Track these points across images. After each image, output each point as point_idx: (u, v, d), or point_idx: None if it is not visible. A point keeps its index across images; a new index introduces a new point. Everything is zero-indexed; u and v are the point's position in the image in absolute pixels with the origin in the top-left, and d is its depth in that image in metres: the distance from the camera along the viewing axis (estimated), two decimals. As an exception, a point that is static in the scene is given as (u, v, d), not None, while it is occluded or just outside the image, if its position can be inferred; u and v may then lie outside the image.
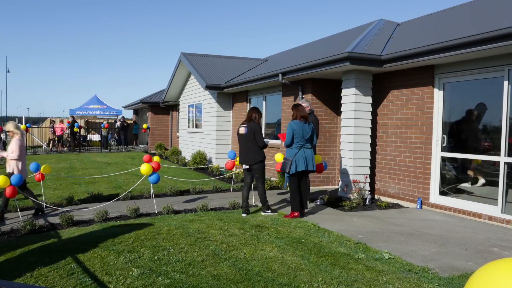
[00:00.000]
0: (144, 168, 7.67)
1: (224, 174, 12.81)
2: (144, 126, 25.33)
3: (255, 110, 7.59)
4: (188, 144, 18.37)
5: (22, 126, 23.80)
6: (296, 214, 7.19)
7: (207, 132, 16.00)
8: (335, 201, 8.60)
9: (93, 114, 33.05)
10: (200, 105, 16.77)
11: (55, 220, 6.95)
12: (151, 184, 8.06)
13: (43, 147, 25.51)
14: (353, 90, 8.72)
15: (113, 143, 26.81)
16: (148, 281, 4.28)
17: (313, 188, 9.85)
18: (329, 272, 4.56)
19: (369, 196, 8.48)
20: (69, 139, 24.59)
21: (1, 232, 6.16)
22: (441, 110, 7.94)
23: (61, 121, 25.19)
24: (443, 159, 7.98)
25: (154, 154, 19.53)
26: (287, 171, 7.12)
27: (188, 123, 18.57)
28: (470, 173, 7.67)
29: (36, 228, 6.31)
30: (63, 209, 7.73)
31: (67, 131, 24.49)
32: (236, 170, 10.84)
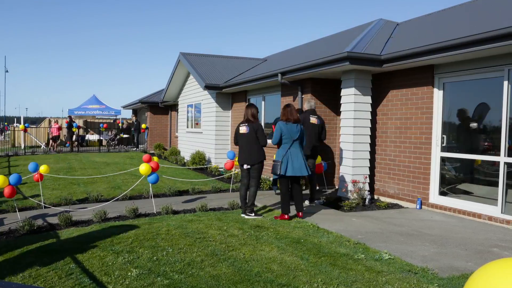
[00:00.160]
0: (143, 168, 7.65)
1: (223, 174, 12.80)
2: (143, 126, 25.29)
3: (252, 107, 7.46)
4: (187, 144, 18.35)
5: (21, 126, 23.80)
6: (286, 216, 7.09)
7: (206, 132, 15.98)
8: (335, 201, 8.59)
9: (91, 114, 33.03)
10: (199, 105, 16.76)
11: (53, 220, 6.93)
12: (150, 184, 8.04)
13: (42, 147, 25.48)
14: (352, 90, 8.71)
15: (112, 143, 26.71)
16: (147, 281, 4.26)
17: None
18: (329, 273, 4.55)
19: (369, 196, 8.47)
20: (64, 139, 24.58)
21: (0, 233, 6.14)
22: (440, 110, 7.93)
23: (56, 121, 25.13)
24: (443, 159, 7.97)
25: (153, 154, 19.52)
26: (278, 173, 7.03)
27: (187, 123, 18.55)
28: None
29: (35, 228, 6.29)
30: (62, 209, 7.71)
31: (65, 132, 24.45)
32: (235, 170, 10.82)
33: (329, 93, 10.50)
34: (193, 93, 17.33)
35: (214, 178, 11.60)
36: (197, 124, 17.30)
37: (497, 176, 6.95)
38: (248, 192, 7.37)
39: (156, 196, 9.05)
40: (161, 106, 23.50)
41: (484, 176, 7.37)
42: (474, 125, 7.55)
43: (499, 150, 6.92)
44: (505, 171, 6.83)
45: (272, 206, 8.21)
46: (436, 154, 7.99)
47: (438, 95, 7.95)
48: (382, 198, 9.02)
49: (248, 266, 4.72)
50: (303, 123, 8.19)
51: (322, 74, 9.64)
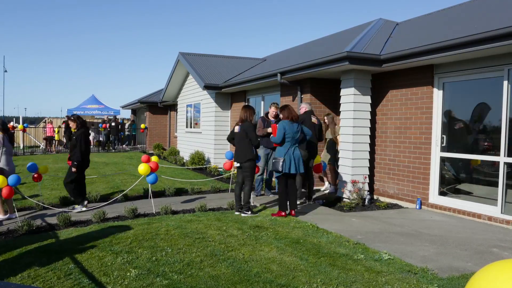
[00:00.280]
0: (142, 168, 7.64)
1: (222, 175, 12.78)
2: (142, 126, 25.26)
3: (246, 109, 7.65)
4: (186, 144, 18.33)
5: (20, 126, 23.77)
6: (283, 214, 7.26)
7: (205, 132, 15.96)
8: (334, 201, 8.59)
9: (90, 114, 32.97)
10: (198, 105, 16.74)
11: (52, 220, 6.91)
12: (149, 185, 8.02)
13: (41, 147, 25.45)
14: (352, 90, 8.69)
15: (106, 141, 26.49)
16: (146, 282, 4.24)
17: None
18: (328, 273, 4.54)
19: (368, 197, 8.46)
20: (63, 139, 24.49)
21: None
22: (440, 110, 7.92)
23: (50, 122, 25.05)
24: (443, 159, 7.96)
25: (152, 154, 19.50)
26: (280, 170, 7.16)
27: (186, 123, 18.53)
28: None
29: (34, 228, 6.28)
30: (60, 210, 7.69)
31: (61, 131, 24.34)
32: (234, 171, 10.81)
33: (328, 93, 10.48)
34: (192, 93, 17.31)
35: (213, 178, 11.58)
36: (196, 124, 17.28)
37: (497, 176, 6.94)
38: (242, 191, 7.57)
39: (155, 196, 9.03)
40: (160, 106, 23.47)
41: (483, 176, 7.37)
42: (474, 125, 7.54)
43: (498, 150, 6.91)
44: (505, 171, 6.82)
45: (270, 205, 8.19)
46: (436, 154, 7.98)
47: (437, 95, 7.94)
48: (382, 198, 9.01)
49: (247, 267, 4.71)
50: (302, 122, 8.22)
51: (322, 74, 9.63)
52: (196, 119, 17.21)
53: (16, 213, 7.22)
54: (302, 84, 10.62)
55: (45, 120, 27.17)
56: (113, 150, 24.02)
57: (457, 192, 7.83)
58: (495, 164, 7.02)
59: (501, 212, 6.86)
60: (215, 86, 14.31)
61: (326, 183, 10.55)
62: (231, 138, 7.85)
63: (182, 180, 11.41)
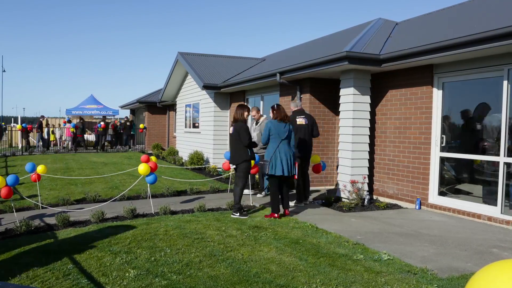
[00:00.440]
0: (142, 168, 7.61)
1: (221, 175, 12.76)
2: (141, 126, 25.23)
3: (239, 108, 7.56)
4: (185, 144, 18.31)
5: (18, 126, 23.72)
6: (276, 215, 7.17)
7: (204, 132, 15.95)
8: (333, 201, 8.57)
9: (89, 114, 32.93)
10: (197, 105, 16.72)
11: (51, 220, 6.89)
12: (148, 185, 8.00)
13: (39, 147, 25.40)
14: (351, 90, 8.68)
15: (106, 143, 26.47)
16: (145, 282, 4.23)
17: (312, 188, 9.80)
18: (327, 273, 4.52)
19: (368, 197, 8.45)
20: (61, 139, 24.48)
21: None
22: (440, 110, 7.91)
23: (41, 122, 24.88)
24: (442, 159, 7.96)
25: (151, 154, 19.47)
26: (266, 172, 7.15)
27: (185, 123, 18.51)
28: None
29: (32, 228, 6.26)
30: (59, 210, 7.67)
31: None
32: (233, 171, 10.79)
33: (328, 92, 10.47)
34: (191, 93, 17.29)
35: (212, 178, 11.57)
36: (195, 124, 17.26)
37: (497, 176, 6.93)
38: (233, 191, 7.58)
39: (154, 196, 9.02)
40: (159, 106, 23.45)
41: (483, 176, 7.36)
42: (474, 125, 7.53)
43: (498, 150, 6.90)
44: (505, 171, 6.81)
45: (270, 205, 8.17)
46: (436, 154, 7.98)
47: (437, 94, 7.93)
48: (381, 199, 9.00)
49: (246, 267, 4.69)
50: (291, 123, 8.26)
51: (321, 73, 9.62)
52: (195, 119, 17.19)
53: (15, 213, 7.20)
54: (302, 84, 10.61)
55: (41, 120, 27.08)
56: (122, 150, 24.11)
57: (456, 192, 7.83)
58: (495, 164, 7.02)
59: (501, 212, 6.85)
60: (214, 86, 14.29)
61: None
62: None
63: (181, 180, 11.39)
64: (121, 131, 25.87)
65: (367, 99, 8.84)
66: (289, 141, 7.29)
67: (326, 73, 9.42)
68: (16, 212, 7.38)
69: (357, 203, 8.26)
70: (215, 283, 4.23)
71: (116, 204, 8.16)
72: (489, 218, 6.92)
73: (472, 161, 7.50)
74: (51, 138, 26.36)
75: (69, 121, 25.90)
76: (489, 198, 7.13)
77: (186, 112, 18.43)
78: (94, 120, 32.21)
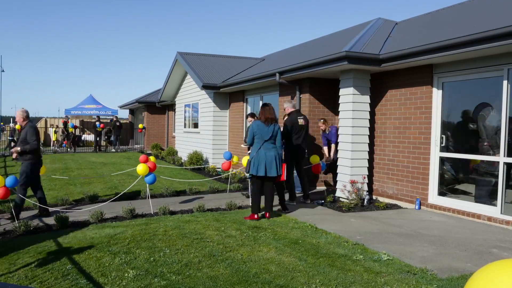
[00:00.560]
0: (141, 169, 7.60)
1: (220, 175, 12.75)
2: (140, 126, 25.20)
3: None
4: (185, 144, 18.29)
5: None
6: (255, 216, 7.08)
7: (204, 132, 15.93)
8: (333, 201, 8.56)
9: (88, 114, 32.92)
10: (197, 104, 16.71)
11: (50, 221, 6.88)
12: (147, 185, 7.99)
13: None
14: (351, 90, 8.67)
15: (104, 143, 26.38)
16: (144, 282, 4.22)
17: (311, 188, 9.80)
18: (327, 274, 4.51)
19: (367, 197, 8.44)
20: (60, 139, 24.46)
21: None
22: (440, 110, 7.90)
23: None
24: (442, 159, 7.94)
25: (150, 154, 19.46)
26: (247, 171, 7.19)
27: (185, 123, 18.50)
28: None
29: (31, 229, 6.24)
30: (58, 210, 7.65)
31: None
32: (232, 171, 10.79)
33: (327, 92, 10.46)
34: (191, 93, 17.28)
35: (211, 179, 11.55)
36: (194, 124, 17.24)
37: (497, 176, 6.93)
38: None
39: (153, 196, 9.00)
40: (158, 106, 23.43)
41: (483, 176, 7.35)
42: (474, 125, 7.52)
43: (498, 150, 6.89)
44: (505, 171, 6.80)
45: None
46: (435, 154, 7.96)
47: (437, 94, 7.92)
48: (381, 199, 8.99)
49: (246, 267, 4.68)
50: (292, 125, 8.24)
51: (320, 73, 9.61)
52: (194, 119, 17.17)
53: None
54: (301, 83, 10.60)
55: (46, 120, 27.11)
56: (113, 150, 24.00)
57: (456, 193, 7.82)
58: (495, 164, 7.01)
59: (501, 213, 6.84)
60: (214, 86, 14.28)
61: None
62: None
63: (180, 180, 11.38)
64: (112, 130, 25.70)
65: (367, 99, 8.83)
66: (274, 142, 7.17)
67: (325, 73, 9.40)
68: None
69: (357, 203, 8.24)
70: (215, 283, 4.22)
71: (115, 204, 8.15)
72: (489, 218, 6.91)
73: (472, 161, 7.49)
74: (53, 138, 26.38)
75: (65, 124, 25.68)
76: (489, 198, 7.12)
77: (185, 112, 18.41)
78: (93, 120, 32.21)
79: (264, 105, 7.36)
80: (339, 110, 9.12)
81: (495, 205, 6.95)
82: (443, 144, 7.90)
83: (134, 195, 9.19)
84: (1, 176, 6.71)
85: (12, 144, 20.66)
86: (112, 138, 25.59)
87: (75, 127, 25.09)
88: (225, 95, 15.26)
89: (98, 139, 24.50)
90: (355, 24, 13.40)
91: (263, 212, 7.23)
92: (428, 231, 6.41)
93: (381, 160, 9.07)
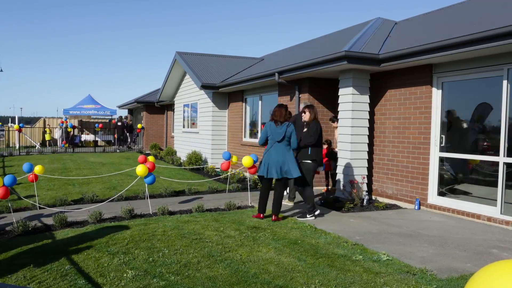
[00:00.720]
0: (140, 170, 7.57)
1: (220, 175, 12.73)
2: (139, 126, 25.17)
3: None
4: (184, 144, 18.28)
5: (15, 126, 23.66)
6: (261, 216, 7.08)
7: (203, 132, 15.92)
8: (332, 201, 8.55)
9: (87, 114, 32.88)
10: (196, 104, 16.69)
11: (49, 221, 6.85)
12: (146, 185, 7.97)
13: (37, 147, 25.35)
14: (350, 90, 8.66)
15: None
16: (143, 283, 4.20)
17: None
18: (326, 274, 4.50)
19: (367, 197, 8.43)
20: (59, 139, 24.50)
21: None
22: (439, 110, 7.89)
23: None
24: (442, 159, 7.94)
25: (148, 154, 19.44)
26: (257, 171, 7.24)
27: (184, 123, 18.48)
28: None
29: (30, 229, 6.22)
30: (57, 210, 7.63)
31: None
32: (231, 171, 10.77)
33: (327, 92, 10.44)
34: (190, 93, 17.26)
35: (210, 179, 11.53)
36: (193, 124, 17.23)
37: (496, 176, 6.92)
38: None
39: (152, 196, 8.99)
40: (157, 106, 23.41)
41: (483, 176, 7.34)
42: (473, 125, 7.51)
43: (498, 150, 6.88)
44: (504, 172, 6.79)
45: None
46: (435, 154, 7.95)
47: (436, 94, 7.91)
48: (380, 199, 8.98)
49: (245, 268, 4.66)
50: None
51: (320, 73, 9.60)
52: (193, 119, 17.16)
53: (13, 213, 7.16)
54: (300, 83, 10.58)
55: (44, 120, 27.12)
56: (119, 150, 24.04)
57: (456, 193, 7.81)
58: (495, 164, 7.00)
59: (501, 213, 6.83)
60: (213, 85, 14.26)
61: None
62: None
63: (179, 181, 11.36)
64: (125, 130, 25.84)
65: (366, 99, 8.82)
66: (287, 143, 6.96)
67: (325, 72, 9.40)
68: (13, 212, 7.35)
69: (356, 203, 8.23)
70: (214, 283, 4.20)
71: (114, 205, 8.13)
72: (489, 219, 6.90)
73: (471, 161, 7.48)
74: (47, 137, 26.38)
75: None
76: (489, 198, 7.11)
77: (184, 112, 18.39)
78: (92, 120, 32.17)
79: (280, 105, 7.16)
80: (338, 110, 9.11)
81: (495, 205, 6.94)
82: (443, 144, 7.89)
83: (133, 195, 9.17)
84: (0, 176, 6.69)
85: None
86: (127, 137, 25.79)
87: (73, 127, 25.03)
88: (224, 95, 15.24)
89: (121, 137, 24.82)
90: (355, 24, 13.39)
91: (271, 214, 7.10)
92: (428, 231, 6.40)
93: (381, 160, 9.06)
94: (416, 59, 7.40)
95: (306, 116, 7.44)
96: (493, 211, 6.94)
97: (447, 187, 7.95)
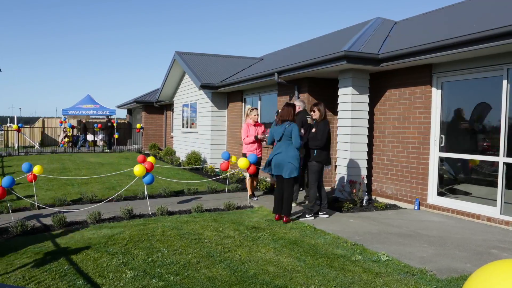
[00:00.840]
0: (138, 170, 7.55)
1: (219, 175, 12.72)
2: (138, 126, 25.16)
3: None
4: (183, 144, 18.26)
5: (14, 126, 23.63)
6: (276, 217, 7.03)
7: (202, 132, 15.90)
8: (332, 202, 8.53)
9: (86, 114, 32.82)
10: (195, 104, 16.68)
11: (47, 221, 6.83)
12: (145, 185, 7.96)
13: (36, 147, 25.32)
14: (350, 90, 8.65)
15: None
16: (142, 283, 4.18)
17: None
18: (326, 274, 4.49)
19: (366, 197, 8.41)
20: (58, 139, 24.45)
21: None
22: (439, 110, 7.89)
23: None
24: (441, 159, 7.93)
25: (148, 155, 19.43)
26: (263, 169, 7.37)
27: (183, 123, 18.46)
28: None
29: (28, 229, 6.20)
30: (56, 210, 7.61)
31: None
32: (231, 171, 10.76)
33: (326, 92, 10.43)
34: (189, 93, 17.25)
35: (210, 179, 11.52)
36: (192, 124, 17.21)
37: (496, 176, 6.91)
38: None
39: (151, 196, 8.97)
40: (156, 106, 23.40)
41: (483, 176, 7.33)
42: (473, 124, 7.51)
43: (498, 150, 6.88)
44: (504, 172, 6.79)
45: (268, 206, 8.14)
46: (435, 154, 7.95)
47: (436, 94, 7.90)
48: (380, 199, 8.97)
49: (244, 268, 4.65)
50: (303, 124, 8.19)
51: (319, 73, 9.59)
52: (193, 119, 17.14)
53: (12, 214, 7.14)
54: (300, 83, 10.57)
55: (43, 120, 27.09)
56: (107, 151, 23.91)
57: (456, 193, 7.80)
58: (494, 164, 6.99)
59: (500, 213, 6.82)
60: (212, 85, 14.25)
61: None
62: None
63: (178, 181, 11.35)
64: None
65: (366, 98, 8.81)
66: (288, 142, 6.86)
67: (324, 72, 9.39)
68: (12, 212, 7.33)
69: (356, 203, 8.22)
70: (213, 284, 4.19)
71: (113, 205, 8.12)
72: (489, 219, 6.89)
73: (471, 161, 7.47)
74: (66, 140, 26.48)
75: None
76: (489, 198, 7.10)
77: (183, 112, 18.38)
78: (91, 120, 32.12)
79: (286, 104, 7.10)
80: (338, 110, 9.10)
81: (494, 205, 6.93)
82: (442, 144, 7.88)
83: (132, 196, 9.15)
84: (-2, 176, 6.68)
85: None
86: (105, 139, 25.58)
87: (72, 127, 25.01)
88: (224, 95, 15.23)
89: (95, 139, 24.59)
90: (354, 24, 13.38)
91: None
92: (428, 232, 6.39)
93: (380, 160, 9.05)
94: (415, 59, 7.40)
95: (315, 115, 7.39)
96: (492, 211, 6.94)
97: (446, 187, 7.95)
